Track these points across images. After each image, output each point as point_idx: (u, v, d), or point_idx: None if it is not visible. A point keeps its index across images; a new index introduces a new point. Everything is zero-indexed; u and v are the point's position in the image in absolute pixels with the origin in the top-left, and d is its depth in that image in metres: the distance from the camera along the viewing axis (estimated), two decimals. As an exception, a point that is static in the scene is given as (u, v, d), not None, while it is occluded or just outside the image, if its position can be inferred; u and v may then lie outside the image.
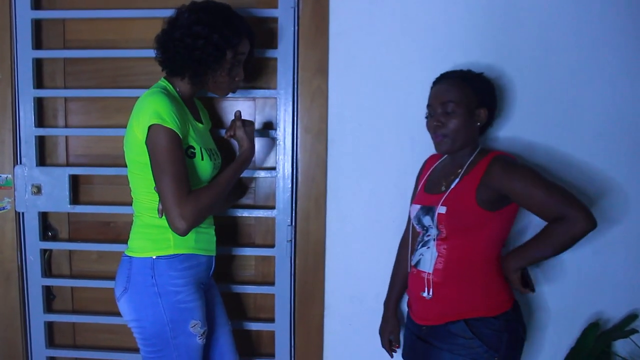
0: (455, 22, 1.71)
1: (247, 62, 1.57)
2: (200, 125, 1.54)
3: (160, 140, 1.34)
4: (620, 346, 1.76)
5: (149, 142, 1.36)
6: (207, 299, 1.57)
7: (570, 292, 1.78)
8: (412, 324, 1.55)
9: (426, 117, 1.52)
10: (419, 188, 1.59)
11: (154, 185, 1.39)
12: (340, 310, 1.85)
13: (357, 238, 1.81)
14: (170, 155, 1.34)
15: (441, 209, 1.41)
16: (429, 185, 1.54)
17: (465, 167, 1.46)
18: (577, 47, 1.69)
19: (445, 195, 1.43)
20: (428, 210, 1.47)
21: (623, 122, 1.71)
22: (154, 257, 1.44)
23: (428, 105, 1.50)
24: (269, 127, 1.86)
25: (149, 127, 1.35)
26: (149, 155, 1.37)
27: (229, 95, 1.80)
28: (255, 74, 1.83)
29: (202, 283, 1.53)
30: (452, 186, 1.43)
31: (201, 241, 1.51)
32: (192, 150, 1.44)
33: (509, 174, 1.37)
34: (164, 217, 1.39)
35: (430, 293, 1.44)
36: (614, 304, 1.77)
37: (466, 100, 1.43)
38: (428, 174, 1.59)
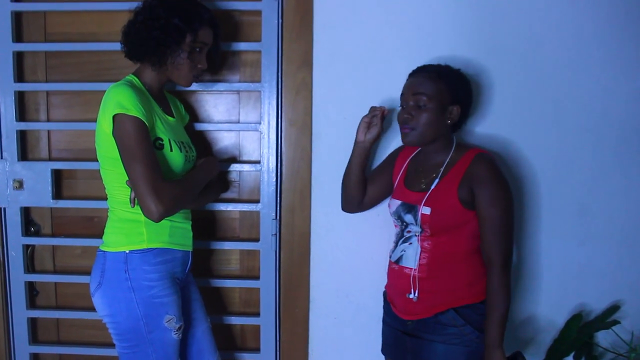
0: (440, 16, 1.71)
1: (214, 53, 1.58)
2: (170, 118, 1.54)
3: (126, 128, 1.34)
4: (602, 337, 1.77)
5: (116, 132, 1.36)
6: (184, 295, 1.56)
7: (553, 284, 1.79)
8: (394, 319, 1.55)
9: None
10: (397, 182, 1.58)
11: (127, 179, 1.38)
12: (325, 304, 1.85)
13: (342, 231, 1.81)
14: (139, 142, 1.33)
15: (425, 210, 1.42)
16: (409, 181, 1.54)
17: (444, 165, 1.46)
18: (562, 42, 1.70)
19: (427, 196, 1.43)
20: (410, 208, 1.47)
21: (608, 116, 1.72)
22: (128, 251, 1.43)
23: (401, 95, 1.49)
24: (253, 121, 1.85)
25: (114, 118, 1.35)
26: (117, 145, 1.36)
27: (213, 89, 1.81)
28: (230, 67, 1.83)
29: (177, 278, 1.52)
30: (433, 186, 1.44)
31: (176, 235, 1.50)
32: (160, 141, 1.44)
33: (489, 175, 1.40)
34: (138, 210, 1.38)
35: (416, 294, 1.45)
36: (597, 296, 1.79)
37: (439, 96, 1.43)
38: (406, 165, 1.59)
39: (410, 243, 1.48)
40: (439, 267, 1.44)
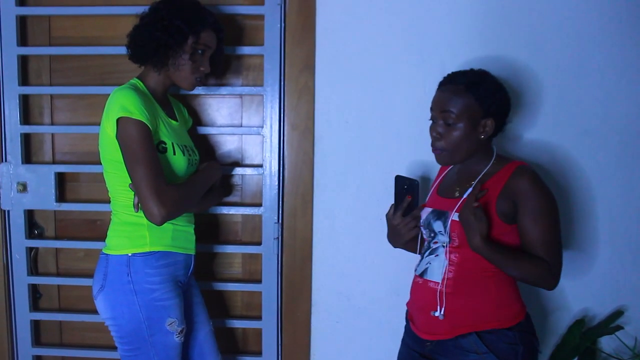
0: (443, 19, 1.71)
1: (217, 57, 1.59)
2: (174, 122, 1.55)
3: (130, 132, 1.35)
4: (606, 343, 1.76)
5: (119, 135, 1.37)
6: (186, 298, 1.56)
7: (556, 289, 1.77)
8: (413, 338, 1.44)
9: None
10: (431, 191, 1.50)
11: (130, 182, 1.39)
12: (327, 307, 1.84)
13: (344, 235, 1.81)
14: (142, 145, 1.34)
15: (455, 216, 1.32)
16: (442, 189, 1.45)
17: (481, 174, 1.35)
18: (563, 45, 1.69)
19: (460, 202, 1.32)
20: (440, 214, 1.37)
21: (609, 119, 1.72)
22: (130, 254, 1.43)
23: (430, 109, 1.39)
24: (255, 124, 1.86)
25: (117, 121, 1.36)
26: (121, 149, 1.37)
27: (216, 93, 1.82)
28: (232, 71, 1.84)
29: (179, 281, 1.52)
30: (466, 194, 1.32)
31: (178, 239, 1.51)
32: (164, 145, 1.44)
33: (533, 188, 1.29)
34: (140, 213, 1.39)
35: (442, 312, 1.33)
36: (600, 301, 1.78)
37: (468, 112, 1.30)
38: (443, 176, 1.50)
39: (437, 255, 1.37)
40: (465, 282, 1.33)
